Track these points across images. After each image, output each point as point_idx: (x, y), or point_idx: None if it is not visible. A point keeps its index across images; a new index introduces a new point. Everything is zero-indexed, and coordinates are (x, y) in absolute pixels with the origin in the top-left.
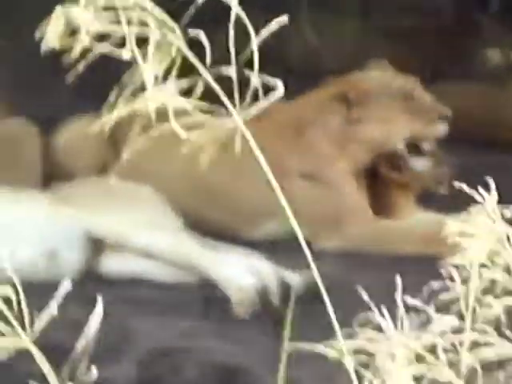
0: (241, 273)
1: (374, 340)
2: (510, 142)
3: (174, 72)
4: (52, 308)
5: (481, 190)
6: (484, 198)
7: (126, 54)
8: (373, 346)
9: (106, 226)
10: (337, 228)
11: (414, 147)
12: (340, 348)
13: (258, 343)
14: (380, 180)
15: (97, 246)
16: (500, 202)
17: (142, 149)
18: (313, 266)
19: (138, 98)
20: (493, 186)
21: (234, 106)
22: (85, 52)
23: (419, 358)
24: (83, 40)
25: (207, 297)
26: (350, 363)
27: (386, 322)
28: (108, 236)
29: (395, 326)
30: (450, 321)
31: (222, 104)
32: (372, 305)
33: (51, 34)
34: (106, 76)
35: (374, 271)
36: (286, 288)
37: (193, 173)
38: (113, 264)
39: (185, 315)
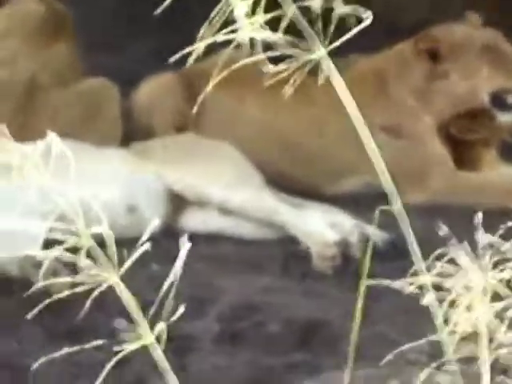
0: (322, 228)
1: (450, 274)
2: None
3: (262, 4)
4: (144, 245)
5: None
6: None
7: None
8: (450, 280)
9: (186, 182)
10: (421, 182)
11: (500, 100)
12: (418, 283)
13: (340, 298)
14: (464, 134)
15: (177, 201)
16: None
17: (225, 106)
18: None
19: (227, 31)
20: None
21: (319, 38)
22: None
23: (497, 296)
24: None
25: (289, 252)
26: (428, 298)
27: (464, 256)
28: (187, 192)
29: (474, 261)
30: None
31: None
32: (451, 239)
33: None
34: (183, 38)
35: (451, 222)
36: (368, 243)
37: (275, 130)
38: (194, 220)
39: (266, 271)
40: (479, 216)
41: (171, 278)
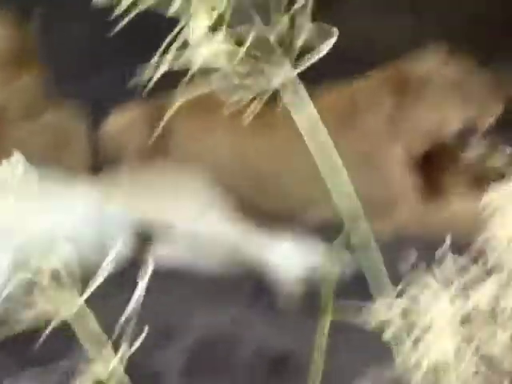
0: (291, 260)
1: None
2: None
3: (225, 22)
4: (105, 267)
5: None
6: None
7: (172, 9)
8: (418, 306)
9: (154, 214)
10: (387, 214)
11: (468, 134)
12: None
13: (308, 329)
14: (433, 168)
15: (145, 234)
16: None
17: (193, 137)
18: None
19: (188, 48)
20: None
21: (286, 56)
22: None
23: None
24: None
25: (256, 285)
26: (388, 335)
27: (433, 281)
28: (155, 224)
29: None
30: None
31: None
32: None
33: None
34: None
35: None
36: (334, 276)
37: (243, 160)
38: (161, 253)
39: (234, 303)
40: (447, 241)
41: (130, 308)
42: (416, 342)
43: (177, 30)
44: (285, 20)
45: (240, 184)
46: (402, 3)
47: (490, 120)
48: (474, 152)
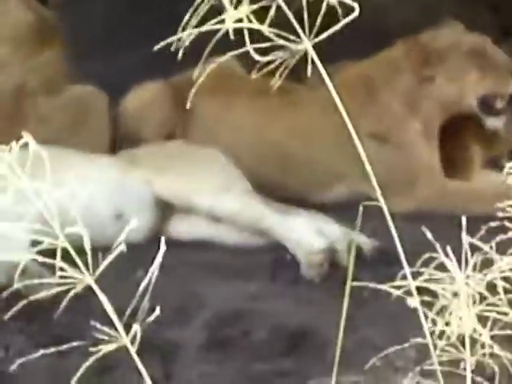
0: (310, 235)
1: (438, 279)
2: None
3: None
4: (118, 247)
5: None
6: None
7: None
8: (437, 285)
9: (173, 189)
10: (408, 190)
11: (488, 105)
12: (405, 287)
13: (327, 305)
14: (453, 140)
15: (165, 208)
16: None
17: (214, 114)
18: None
19: (215, 19)
20: None
21: (304, 31)
22: None
23: (482, 299)
24: None
25: (276, 259)
26: (415, 302)
27: (450, 261)
28: (175, 199)
29: (459, 266)
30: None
31: (293, 31)
32: (437, 245)
33: None
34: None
35: (437, 229)
36: (356, 250)
37: (263, 137)
38: (181, 227)
39: (254, 278)
40: (464, 220)
41: (146, 282)
42: (441, 310)
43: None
44: None
45: (262, 162)
46: None
47: (508, 89)
48: (494, 122)
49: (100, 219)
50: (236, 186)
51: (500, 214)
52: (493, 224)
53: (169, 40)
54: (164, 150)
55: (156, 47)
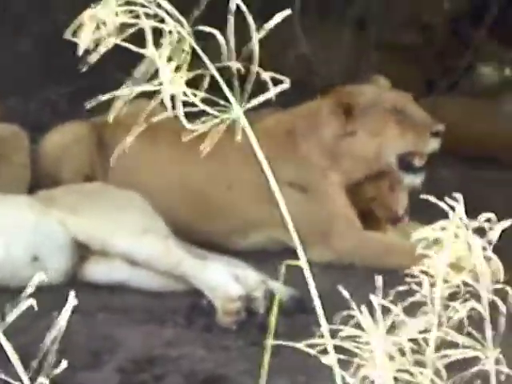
0: (227, 282)
1: (355, 338)
2: (502, 158)
3: (185, 66)
4: (25, 302)
5: (450, 201)
6: (453, 209)
7: (146, 50)
8: (354, 344)
9: (90, 231)
10: (326, 240)
11: (407, 163)
12: (322, 345)
13: (242, 352)
14: (369, 194)
15: (82, 251)
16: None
17: (135, 155)
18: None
19: (149, 87)
20: (461, 198)
21: (235, 98)
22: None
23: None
24: (108, 32)
25: (193, 305)
26: (332, 360)
27: (366, 320)
28: (92, 241)
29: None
30: (418, 323)
31: (224, 98)
32: (353, 304)
33: (86, 36)
34: (95, 85)
35: (353, 282)
36: (272, 298)
37: (185, 182)
38: (99, 270)
39: (170, 323)
40: (379, 279)
41: (54, 331)
42: (357, 369)
43: (145, 64)
44: (236, 66)
45: (182, 206)
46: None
47: (427, 149)
48: (411, 180)
49: (15, 261)
50: (154, 229)
51: (408, 280)
52: (401, 288)
53: (103, 98)
54: (82, 190)
55: (88, 106)
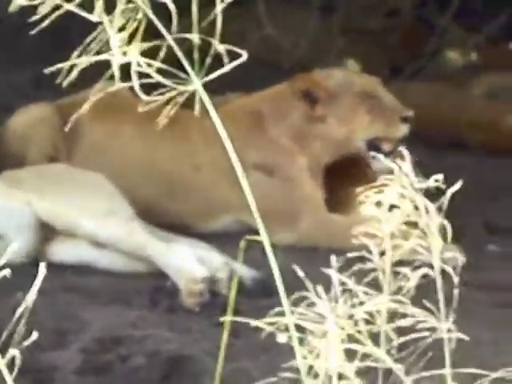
0: (191, 263)
1: (307, 317)
2: (468, 142)
3: (139, 35)
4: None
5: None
6: (400, 168)
7: (94, 17)
8: (307, 323)
9: (55, 211)
10: (290, 223)
11: (376, 148)
12: (275, 323)
13: (205, 333)
14: (339, 178)
15: (47, 231)
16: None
17: (100, 136)
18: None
19: (102, 55)
20: (408, 156)
21: (195, 70)
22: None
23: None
24: None
25: (157, 287)
26: (284, 338)
27: (321, 301)
28: (56, 221)
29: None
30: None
31: (182, 69)
32: (309, 284)
33: None
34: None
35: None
36: (236, 280)
37: (150, 163)
38: (63, 250)
39: (134, 304)
40: (334, 259)
41: (23, 306)
42: (311, 347)
43: (96, 33)
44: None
45: (147, 187)
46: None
47: (397, 133)
48: (380, 165)
49: None
50: (119, 211)
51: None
52: (350, 255)
53: (60, 65)
54: (47, 171)
55: (47, 70)
